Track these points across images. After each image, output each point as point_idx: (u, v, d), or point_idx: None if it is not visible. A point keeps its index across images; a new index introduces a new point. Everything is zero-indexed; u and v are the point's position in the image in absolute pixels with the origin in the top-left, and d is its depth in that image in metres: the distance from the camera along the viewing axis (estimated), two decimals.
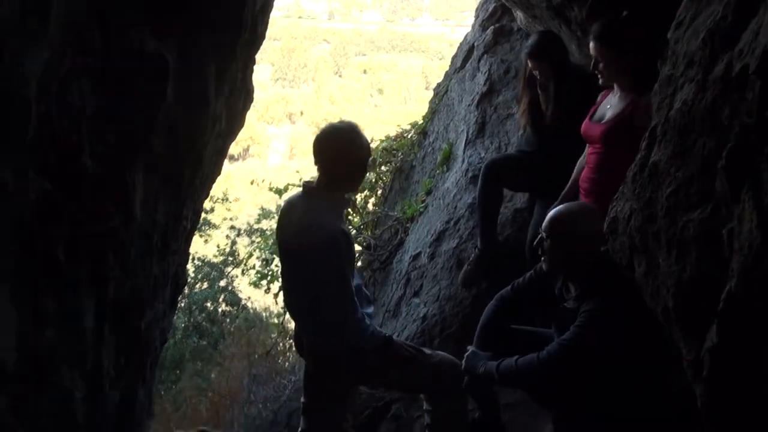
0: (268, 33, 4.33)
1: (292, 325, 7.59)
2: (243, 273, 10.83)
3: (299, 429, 3.63)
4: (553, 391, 3.15)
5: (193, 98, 3.19)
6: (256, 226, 11.52)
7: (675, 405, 2.79)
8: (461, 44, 7.03)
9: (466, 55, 6.60)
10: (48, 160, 2.19)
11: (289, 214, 3.42)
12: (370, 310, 3.59)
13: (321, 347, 3.42)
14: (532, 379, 3.08)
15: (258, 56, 4.27)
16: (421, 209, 5.96)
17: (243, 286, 11.55)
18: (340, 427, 3.62)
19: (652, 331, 2.46)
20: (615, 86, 3.60)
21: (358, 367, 3.40)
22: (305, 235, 3.25)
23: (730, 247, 1.68)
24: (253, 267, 8.04)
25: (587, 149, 3.78)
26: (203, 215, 10.08)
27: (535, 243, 3.21)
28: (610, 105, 3.60)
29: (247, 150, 56.22)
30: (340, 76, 79.52)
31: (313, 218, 3.24)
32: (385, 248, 6.21)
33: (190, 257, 8.85)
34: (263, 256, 7.71)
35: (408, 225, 6.08)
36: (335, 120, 3.59)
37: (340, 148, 3.26)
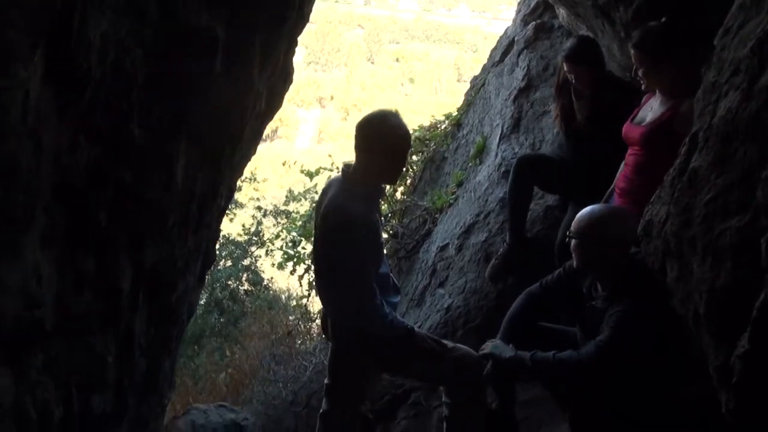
0: None
1: (313, 307, 7.68)
2: (267, 254, 10.89)
3: (321, 410, 3.67)
4: (585, 390, 3.16)
5: (239, 75, 3.25)
6: (283, 208, 11.57)
7: (692, 413, 2.81)
8: (501, 38, 7.00)
9: (505, 49, 6.57)
10: (99, 127, 2.24)
11: (324, 193, 3.46)
12: (397, 299, 3.62)
13: (343, 330, 3.46)
14: (568, 375, 3.10)
15: None
16: (451, 201, 5.97)
17: (266, 266, 11.62)
18: (357, 409, 3.67)
19: (678, 337, 2.47)
20: (657, 90, 3.60)
21: (378, 354, 3.43)
22: (329, 217, 3.29)
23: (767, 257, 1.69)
24: (280, 248, 8.09)
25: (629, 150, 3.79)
26: None
27: (564, 242, 3.23)
28: (651, 108, 3.60)
29: (275, 131, 56.40)
30: (372, 62, 79.36)
31: (340, 202, 3.26)
32: (412, 237, 6.22)
33: None
34: (290, 238, 7.77)
35: (436, 215, 6.09)
36: (369, 108, 3.59)
37: (380, 138, 3.22)
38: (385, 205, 6.82)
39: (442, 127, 7.19)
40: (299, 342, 7.44)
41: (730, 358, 1.85)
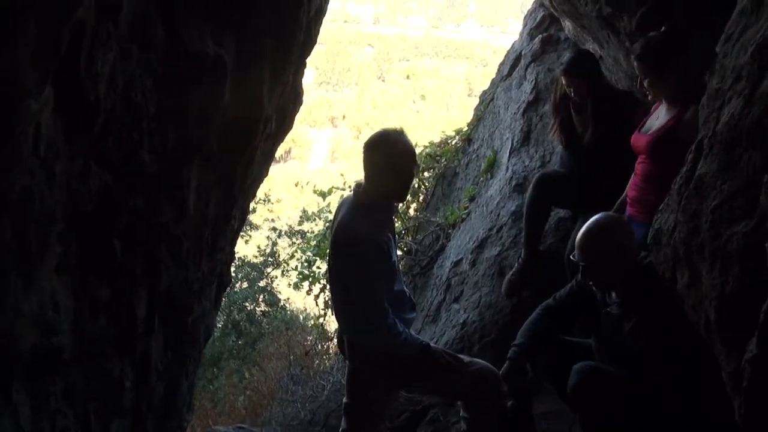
0: None
1: (330, 327, 7.69)
2: (283, 274, 10.92)
3: (340, 429, 3.68)
4: (602, 398, 3.15)
5: (248, 99, 3.28)
6: (297, 228, 11.61)
7: (708, 421, 2.79)
8: (508, 52, 7.04)
9: (513, 63, 6.61)
10: (110, 155, 2.29)
11: (337, 213, 3.51)
12: (413, 315, 3.63)
13: (359, 348, 3.48)
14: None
15: None
16: (463, 216, 5.98)
17: (282, 287, 11.65)
18: (376, 427, 3.67)
19: (690, 343, 2.47)
20: (663, 99, 3.62)
21: (395, 372, 3.44)
22: (340, 236, 3.35)
23: None
24: (295, 268, 8.13)
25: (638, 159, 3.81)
26: None
27: (570, 258, 3.25)
28: (658, 117, 3.62)
29: (288, 152, 56.69)
30: (383, 80, 79.73)
31: (349, 221, 3.32)
32: (425, 253, 6.24)
33: None
34: (305, 258, 7.80)
35: (450, 231, 6.11)
36: (381, 126, 3.63)
37: (385, 155, 3.28)
38: (399, 223, 6.84)
39: (453, 142, 7.21)
40: (317, 362, 7.45)
41: (741, 364, 1.85)
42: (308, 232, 10.13)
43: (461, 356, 3.64)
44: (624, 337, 3.08)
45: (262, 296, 11.57)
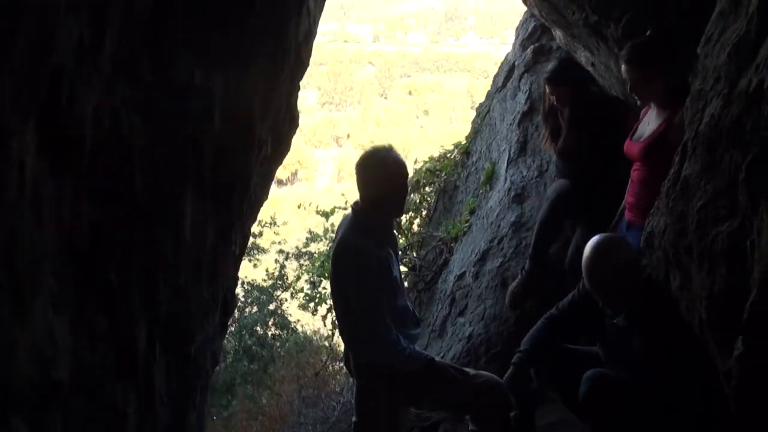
0: (314, 58, 4.45)
1: (341, 347, 7.68)
2: (292, 296, 10.93)
3: None
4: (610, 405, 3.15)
5: (239, 125, 3.32)
6: (304, 250, 11.64)
7: (711, 422, 2.78)
8: (502, 64, 7.08)
9: (507, 75, 6.64)
10: (101, 191, 2.32)
11: (338, 231, 3.58)
12: (417, 331, 3.64)
13: (364, 366, 3.48)
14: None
15: (304, 81, 4.37)
16: (465, 229, 5.99)
17: (292, 309, 11.66)
18: None
19: (691, 346, 2.47)
20: (652, 104, 3.64)
21: (401, 388, 3.44)
22: (338, 253, 3.41)
23: (751, 258, 1.70)
24: (302, 290, 8.14)
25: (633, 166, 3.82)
26: (252, 240, 10.25)
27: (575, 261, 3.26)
28: (648, 122, 3.64)
29: (295, 174, 56.93)
30: (385, 98, 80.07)
31: (347, 237, 3.37)
32: (429, 268, 6.25)
33: (240, 282, 9.01)
34: (311, 279, 7.82)
35: (452, 245, 6.12)
36: (378, 143, 3.67)
37: (376, 173, 3.33)
38: (403, 239, 6.85)
39: (452, 156, 7.24)
40: (329, 382, 7.44)
41: (731, 362, 1.85)
42: (315, 252, 10.15)
43: (467, 369, 3.64)
44: (632, 347, 3.08)
45: (272, 320, 11.58)
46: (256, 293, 11.80)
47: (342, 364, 7.57)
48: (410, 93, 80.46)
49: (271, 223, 12.22)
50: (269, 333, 11.37)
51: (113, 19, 2.22)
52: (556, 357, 3.53)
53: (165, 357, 3.05)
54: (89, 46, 2.03)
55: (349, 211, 3.59)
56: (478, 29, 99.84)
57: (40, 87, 1.73)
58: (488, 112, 6.75)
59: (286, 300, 11.63)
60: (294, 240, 13.77)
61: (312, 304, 7.49)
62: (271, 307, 11.63)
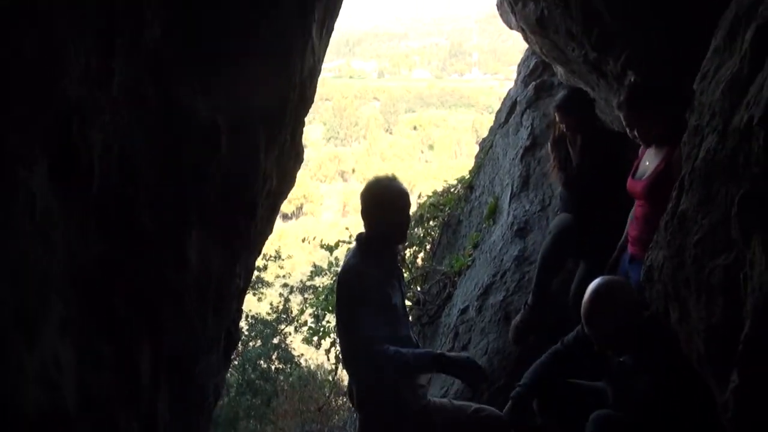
0: (320, 93, 4.53)
1: (344, 381, 7.66)
2: (296, 330, 10.90)
3: None
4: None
5: (244, 159, 3.38)
6: (308, 283, 11.62)
7: None
8: (505, 99, 7.18)
9: (509, 111, 6.73)
10: (108, 216, 2.36)
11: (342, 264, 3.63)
12: None
13: (366, 398, 3.48)
14: None
15: (310, 116, 4.45)
16: (468, 263, 6.02)
17: (296, 343, 11.62)
18: None
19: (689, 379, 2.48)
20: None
21: (402, 421, 3.43)
22: (340, 278, 3.51)
23: (745, 291, 1.73)
24: (306, 323, 8.14)
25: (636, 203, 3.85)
26: (256, 273, 10.25)
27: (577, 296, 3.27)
28: (648, 161, 3.69)
29: (300, 208, 57.02)
30: (390, 133, 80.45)
31: (350, 262, 3.45)
32: (433, 302, 6.26)
33: (244, 315, 9.00)
34: (315, 312, 7.83)
35: (456, 279, 6.14)
36: (380, 175, 3.73)
37: (380, 201, 3.41)
38: (407, 273, 6.87)
39: (455, 190, 7.29)
40: (331, 417, 7.40)
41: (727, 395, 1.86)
42: (319, 286, 10.16)
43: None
44: (638, 387, 3.07)
45: (275, 353, 11.52)
46: (260, 327, 11.74)
47: (345, 399, 7.55)
48: (415, 128, 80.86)
49: (275, 257, 12.20)
50: (272, 367, 11.30)
51: (121, 49, 2.29)
52: (560, 392, 3.52)
53: (169, 387, 3.06)
54: (98, 75, 2.09)
55: (353, 244, 3.64)
56: (482, 65, 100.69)
57: (50, 115, 1.78)
58: (491, 147, 6.83)
59: (290, 334, 11.59)
60: (298, 274, 13.75)
61: (316, 338, 7.49)
62: (275, 340, 11.58)
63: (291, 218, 52.50)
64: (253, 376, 10.81)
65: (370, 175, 3.76)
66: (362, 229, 3.56)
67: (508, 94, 7.11)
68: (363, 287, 3.30)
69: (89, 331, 2.35)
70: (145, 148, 2.53)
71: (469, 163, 7.76)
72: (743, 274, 1.75)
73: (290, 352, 11.63)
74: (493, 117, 7.65)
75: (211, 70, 2.92)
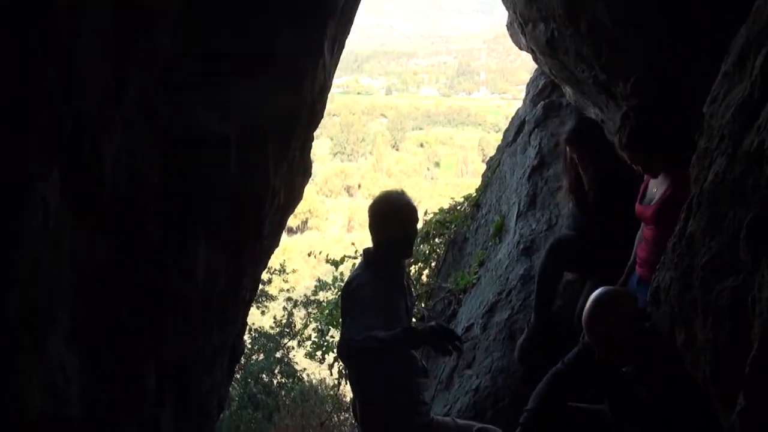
0: (327, 108, 4.55)
1: (347, 397, 7.64)
2: (299, 344, 10.88)
3: None
4: None
5: (253, 174, 3.40)
6: (312, 298, 11.62)
7: None
8: (513, 119, 7.19)
9: (517, 130, 6.74)
10: (116, 227, 2.38)
11: None
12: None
13: (368, 409, 3.48)
14: None
15: (317, 131, 4.47)
16: (473, 281, 6.01)
17: (299, 357, 11.59)
18: None
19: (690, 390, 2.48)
20: None
21: None
22: (344, 288, 3.55)
23: (753, 313, 1.73)
24: (309, 337, 8.13)
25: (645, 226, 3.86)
26: (261, 286, 10.25)
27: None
28: (655, 187, 3.70)
29: (305, 223, 57.06)
30: (397, 149, 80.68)
31: (355, 274, 3.50)
32: (438, 320, 6.24)
33: (247, 328, 8.99)
34: (319, 327, 7.83)
35: (461, 296, 6.13)
36: (390, 189, 3.76)
37: (388, 215, 3.44)
38: (412, 290, 6.86)
39: (462, 208, 7.30)
40: None
41: (733, 417, 1.86)
42: (323, 301, 10.15)
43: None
44: (639, 397, 3.08)
45: (278, 367, 11.50)
46: (263, 340, 11.73)
47: (346, 415, 7.53)
48: (422, 145, 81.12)
49: (280, 271, 12.21)
50: (275, 381, 11.27)
51: (135, 66, 2.32)
52: (563, 417, 3.52)
53: (173, 398, 3.07)
54: (112, 91, 2.12)
55: (359, 259, 3.66)
56: (490, 84, 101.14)
57: (65, 131, 1.80)
58: (498, 165, 6.84)
59: (293, 348, 11.57)
60: (303, 288, 13.77)
61: (319, 353, 7.47)
62: (278, 354, 11.56)
63: (296, 232, 52.54)
64: (255, 390, 10.78)
65: (376, 191, 3.79)
66: (369, 244, 3.58)
67: (516, 113, 7.13)
68: (362, 295, 3.30)
69: (94, 340, 2.36)
70: (156, 162, 2.56)
71: (475, 181, 7.77)
72: (751, 296, 1.75)
73: (293, 366, 11.60)
74: (499, 136, 7.67)
75: (223, 87, 2.95)
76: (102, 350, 2.39)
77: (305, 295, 12.32)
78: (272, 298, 12.48)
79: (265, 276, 10.75)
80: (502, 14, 5.88)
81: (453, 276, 6.45)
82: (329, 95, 4.44)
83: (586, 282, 4.61)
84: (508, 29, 6.11)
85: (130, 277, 2.51)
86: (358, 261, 3.82)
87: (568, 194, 4.67)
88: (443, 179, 65.84)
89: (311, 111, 3.95)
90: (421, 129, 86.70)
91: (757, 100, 1.96)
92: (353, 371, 3.53)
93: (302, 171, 4.34)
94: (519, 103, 7.37)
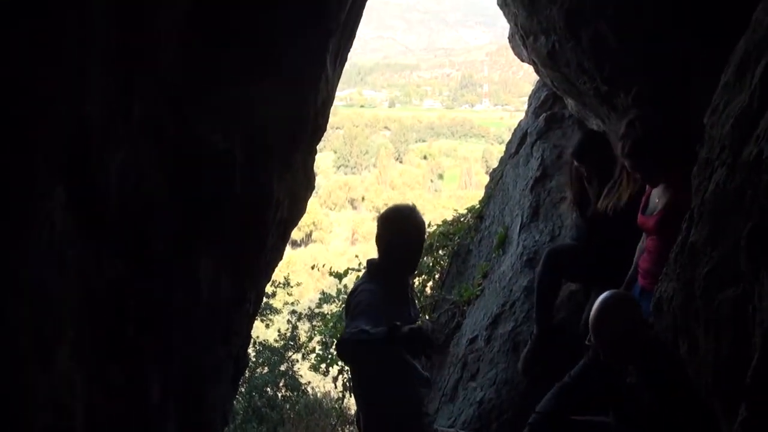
0: (331, 121, 4.57)
1: (351, 410, 7.62)
2: (303, 357, 10.86)
3: None
4: None
5: (257, 188, 3.42)
6: (317, 311, 11.61)
7: None
8: (515, 130, 7.21)
9: (520, 141, 6.76)
10: (121, 243, 2.39)
11: None
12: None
13: (372, 426, 3.48)
14: None
15: (321, 144, 4.49)
16: (477, 292, 6.02)
17: (303, 370, 11.57)
18: None
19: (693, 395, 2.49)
20: None
21: None
22: (348, 299, 3.54)
23: (753, 323, 1.74)
24: (314, 350, 8.12)
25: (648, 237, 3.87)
26: (265, 300, 10.24)
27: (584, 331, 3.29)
28: (657, 198, 3.70)
29: (309, 236, 57.08)
30: (400, 162, 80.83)
31: (358, 283, 3.51)
32: (442, 331, 6.24)
33: (252, 341, 8.98)
34: (323, 339, 7.82)
35: (465, 308, 6.12)
36: (398, 202, 3.77)
37: (395, 228, 3.46)
38: (416, 302, 6.86)
39: (465, 220, 7.31)
40: None
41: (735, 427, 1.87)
42: (327, 313, 10.14)
43: None
44: (643, 404, 3.08)
45: (283, 381, 11.46)
46: (267, 353, 11.70)
47: (351, 428, 7.51)
48: (425, 157, 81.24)
49: (284, 284, 12.20)
50: (279, 394, 11.23)
51: (141, 81, 2.34)
52: (568, 430, 3.53)
53: (177, 412, 3.07)
54: (118, 107, 2.14)
55: (362, 271, 3.67)
56: (493, 96, 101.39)
57: (70, 146, 1.82)
58: (501, 177, 6.85)
59: (298, 361, 11.55)
60: (307, 301, 13.75)
61: (324, 365, 7.46)
62: (283, 367, 11.53)
63: (300, 245, 52.53)
64: (259, 403, 10.74)
65: (380, 204, 3.81)
66: (373, 255, 3.59)
67: (518, 125, 7.15)
68: (364, 299, 3.32)
69: (100, 355, 2.38)
70: (161, 177, 2.58)
71: (479, 193, 7.78)
72: (752, 306, 1.76)
73: (297, 379, 11.57)
74: (503, 147, 7.69)
75: (227, 101, 2.97)
76: (107, 364, 2.40)
77: (309, 308, 12.30)
78: (277, 311, 12.45)
79: (269, 289, 10.74)
80: (505, 26, 5.91)
81: (457, 288, 6.45)
82: (332, 108, 4.47)
83: (589, 293, 4.60)
84: (509, 41, 6.14)
85: (136, 293, 2.52)
86: (361, 273, 3.83)
87: (572, 206, 4.68)
88: (447, 191, 65.91)
89: (314, 124, 3.97)
90: (424, 141, 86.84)
91: (757, 110, 1.97)
92: (355, 379, 3.54)
93: (306, 184, 4.36)
94: (522, 115, 7.39)
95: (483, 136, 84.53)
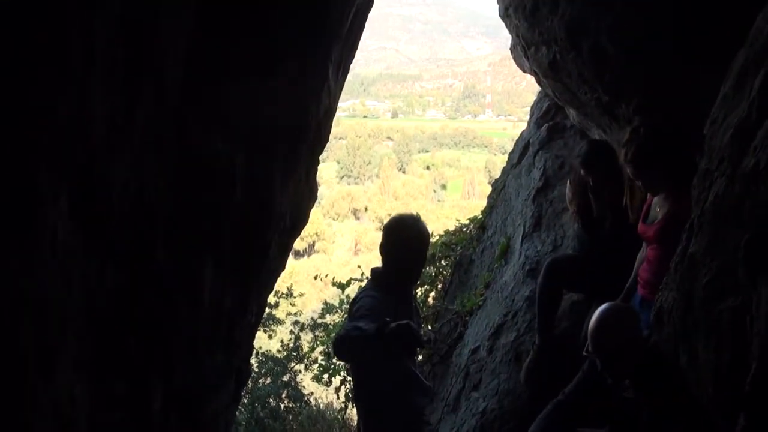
0: (334, 132, 4.59)
1: (353, 421, 7.61)
2: (306, 368, 10.85)
3: None
4: None
5: (260, 198, 3.43)
6: (319, 321, 11.60)
7: None
8: (517, 141, 7.23)
9: (522, 152, 6.77)
10: (124, 253, 2.40)
11: None
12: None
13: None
14: None
15: (323, 154, 4.52)
16: (479, 303, 6.02)
17: (306, 381, 11.55)
18: None
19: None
20: None
21: None
22: (350, 307, 3.56)
23: (751, 332, 1.74)
24: (316, 360, 8.12)
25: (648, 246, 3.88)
26: (268, 310, 10.24)
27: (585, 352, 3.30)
28: (658, 206, 3.71)
29: (312, 246, 57.10)
30: (403, 172, 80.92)
31: (361, 291, 3.56)
32: (444, 342, 6.24)
33: (254, 352, 8.98)
34: (326, 350, 7.82)
35: (467, 318, 6.12)
36: (401, 212, 3.80)
37: (399, 237, 3.50)
38: (419, 312, 6.86)
39: (468, 230, 7.32)
40: None
41: None
42: (330, 324, 10.14)
43: None
44: (640, 419, 3.08)
45: (285, 391, 11.44)
46: (270, 364, 11.69)
47: None
48: (428, 167, 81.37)
49: (287, 294, 12.20)
50: (282, 405, 11.21)
51: (144, 93, 2.36)
52: None
53: (179, 424, 3.07)
54: (122, 119, 2.15)
55: (365, 281, 3.68)
56: (496, 107, 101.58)
57: (74, 157, 1.84)
58: (504, 187, 6.87)
59: (300, 372, 11.53)
60: (309, 311, 13.74)
61: (326, 376, 7.46)
62: (285, 378, 11.51)
63: (303, 255, 52.54)
64: (262, 414, 10.71)
65: (383, 214, 3.83)
66: (375, 265, 3.60)
67: (521, 135, 7.17)
68: (365, 304, 3.35)
69: (102, 367, 2.38)
70: (164, 188, 2.59)
71: (482, 203, 7.79)
72: (749, 316, 1.76)
73: (300, 390, 11.55)
74: (505, 157, 7.70)
75: (230, 113, 2.99)
76: (109, 375, 2.41)
77: (312, 318, 12.29)
78: (279, 321, 12.44)
79: (272, 299, 10.75)
80: (507, 37, 5.93)
81: (459, 298, 6.46)
82: (335, 118, 4.49)
83: (591, 303, 4.60)
84: (511, 52, 6.17)
85: (138, 305, 2.53)
86: (364, 283, 3.84)
87: (575, 216, 4.69)
88: (450, 201, 65.95)
89: (317, 134, 3.98)
90: (427, 151, 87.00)
91: (755, 121, 1.98)
92: (356, 387, 3.54)
93: (308, 194, 4.37)
94: (524, 125, 7.41)
95: (486, 146, 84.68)
